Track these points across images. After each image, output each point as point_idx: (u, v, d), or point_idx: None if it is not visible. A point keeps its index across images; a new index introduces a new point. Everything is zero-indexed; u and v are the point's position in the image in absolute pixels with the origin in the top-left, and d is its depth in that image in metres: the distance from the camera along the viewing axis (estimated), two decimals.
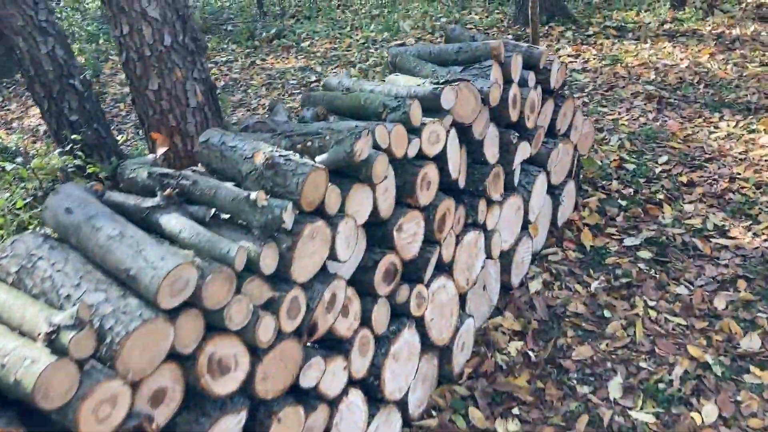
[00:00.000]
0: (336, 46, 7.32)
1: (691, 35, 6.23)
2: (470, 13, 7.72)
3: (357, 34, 7.58)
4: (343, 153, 1.77)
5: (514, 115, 2.74)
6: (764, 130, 4.29)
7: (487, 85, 2.48)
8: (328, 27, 8.02)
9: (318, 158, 1.78)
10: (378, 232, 2.10)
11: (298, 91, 6.14)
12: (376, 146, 1.95)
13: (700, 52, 5.79)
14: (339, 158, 1.78)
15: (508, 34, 6.81)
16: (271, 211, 1.56)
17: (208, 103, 2.80)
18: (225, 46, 8.03)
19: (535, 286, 3.02)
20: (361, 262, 2.02)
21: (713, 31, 6.24)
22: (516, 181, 2.90)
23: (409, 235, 2.16)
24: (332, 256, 1.77)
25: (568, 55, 6.16)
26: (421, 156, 2.19)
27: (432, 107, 2.26)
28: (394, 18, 7.77)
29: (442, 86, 2.24)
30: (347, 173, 1.90)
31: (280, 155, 1.69)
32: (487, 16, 7.54)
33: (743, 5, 6.81)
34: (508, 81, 2.72)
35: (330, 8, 8.87)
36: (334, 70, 6.52)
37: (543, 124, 3.08)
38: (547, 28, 6.82)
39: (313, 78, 6.40)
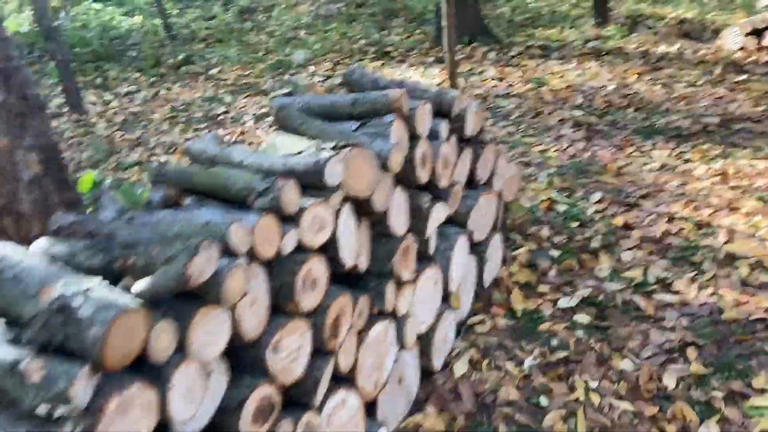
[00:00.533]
0: (248, 72, 6.79)
1: (617, 53, 6.00)
2: (390, 35, 7.33)
3: (271, 58, 7.07)
4: (174, 276, 1.28)
5: (424, 176, 2.30)
6: (699, 159, 4.01)
7: (388, 147, 2.03)
8: (241, 51, 7.48)
9: (137, 285, 1.28)
10: (247, 355, 1.61)
11: (203, 125, 5.58)
12: (230, 251, 1.47)
13: (626, 72, 5.55)
14: (169, 283, 1.28)
15: (429, 56, 6.44)
16: (49, 387, 1.06)
17: (50, 173, 2.25)
18: (128, 74, 7.38)
19: (460, 368, 2.58)
20: (221, 402, 1.52)
21: (638, 49, 6.02)
22: (432, 249, 2.46)
23: (291, 352, 1.68)
24: (166, 419, 1.27)
25: (492, 78, 5.83)
26: (302, 249, 1.72)
27: (317, 183, 1.79)
28: (311, 41, 7.30)
29: (327, 157, 1.77)
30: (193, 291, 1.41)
31: (75, 292, 1.18)
32: (408, 37, 7.16)
33: (665, 21, 6.65)
34: (415, 136, 2.28)
35: (243, 30, 8.33)
36: (245, 100, 6.00)
37: (460, 178, 2.66)
38: (470, 48, 6.49)
39: (221, 109, 5.86)
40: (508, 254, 3.23)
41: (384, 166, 2.03)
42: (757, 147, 4.02)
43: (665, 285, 2.96)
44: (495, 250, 3.01)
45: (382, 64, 6.47)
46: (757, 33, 5.56)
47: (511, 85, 5.62)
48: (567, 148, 4.41)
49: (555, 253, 3.24)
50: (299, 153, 1.89)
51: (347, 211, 1.92)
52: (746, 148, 4.03)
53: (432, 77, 5.84)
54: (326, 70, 6.43)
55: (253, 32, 8.21)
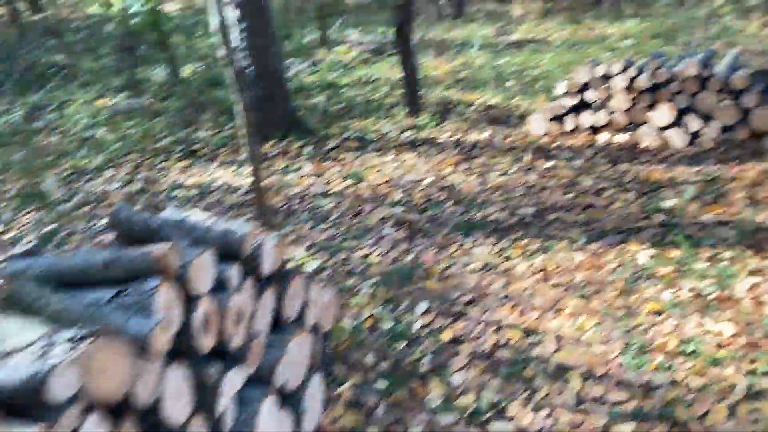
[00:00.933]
0: (35, 180, 6.01)
1: (432, 143, 6.04)
2: (198, 130, 6.92)
3: (64, 163, 6.35)
4: None
5: (208, 343, 1.90)
6: (519, 255, 3.96)
7: (149, 326, 1.62)
8: (28, 156, 6.67)
9: None
10: None
11: None
12: None
13: (442, 162, 5.56)
14: None
15: (242, 153, 6.10)
16: None
17: None
18: None
19: None
20: None
21: (451, 138, 6.12)
22: (229, 427, 2.03)
23: None
24: None
25: (309, 174, 5.59)
26: None
27: (38, 403, 1.32)
28: (109, 140, 6.69)
29: (52, 364, 1.32)
30: None
31: None
32: (217, 132, 6.79)
33: (474, 107, 6.87)
34: (193, 297, 1.88)
35: (32, 132, 7.50)
36: (28, 216, 5.24)
37: (262, 326, 2.29)
38: (284, 143, 6.24)
39: None
40: (330, 394, 2.87)
41: (145, 350, 1.60)
42: (572, 238, 4.06)
43: (499, 411, 2.75)
44: (314, 395, 2.64)
45: (190, 164, 6.03)
46: (558, 118, 5.84)
47: (329, 182, 5.41)
48: (389, 251, 4.21)
49: (382, 384, 2.94)
50: (22, 349, 1.42)
51: (93, 422, 1.46)
52: (562, 240, 4.05)
53: (245, 176, 5.49)
54: (126, 174, 5.87)
55: (43, 133, 7.41)
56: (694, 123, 5.21)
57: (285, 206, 5.03)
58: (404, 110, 6.78)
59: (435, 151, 5.82)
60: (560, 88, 5.84)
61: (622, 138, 5.55)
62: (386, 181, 5.29)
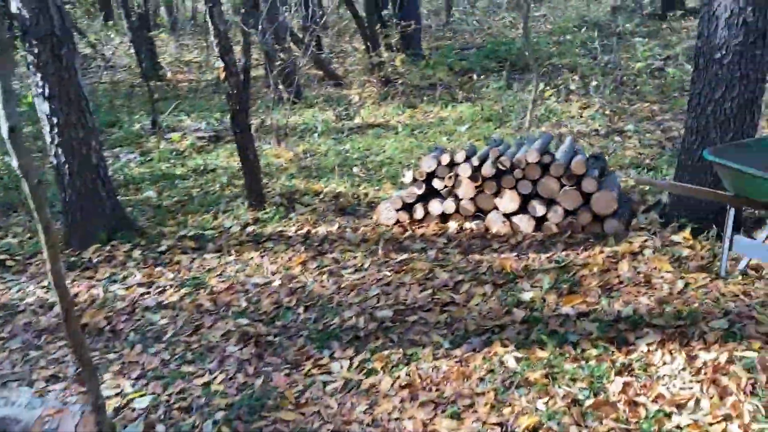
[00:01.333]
0: None
1: (278, 239, 5.62)
2: (7, 236, 6.00)
3: None
4: None
5: None
6: (382, 368, 3.59)
7: None
8: None
9: None
10: None
11: None
12: None
13: (291, 261, 5.15)
14: None
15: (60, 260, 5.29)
16: None
17: None
18: None
19: None
20: None
21: (299, 232, 5.74)
22: None
23: None
24: None
25: (139, 284, 4.93)
26: None
27: None
28: None
29: None
30: None
31: None
32: (30, 238, 5.92)
33: (321, 197, 6.58)
34: None
35: None
36: None
37: None
38: (109, 248, 5.52)
39: None
40: None
41: None
42: (436, 343, 3.78)
43: None
44: None
45: None
46: (407, 207, 5.67)
47: (162, 291, 4.79)
48: (235, 374, 3.68)
49: None
50: None
51: None
52: (426, 346, 3.76)
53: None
54: None
55: None
56: (538, 208, 5.24)
57: (108, 326, 4.33)
58: (246, 202, 6.32)
59: (282, 248, 5.40)
60: (407, 176, 5.70)
61: (472, 225, 5.47)
62: (229, 287, 4.77)
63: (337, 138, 9.00)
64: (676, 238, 4.75)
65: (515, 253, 4.98)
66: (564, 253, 4.88)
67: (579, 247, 4.94)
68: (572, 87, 9.88)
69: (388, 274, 4.79)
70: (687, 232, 4.74)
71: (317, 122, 9.64)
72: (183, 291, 4.76)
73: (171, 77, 14.75)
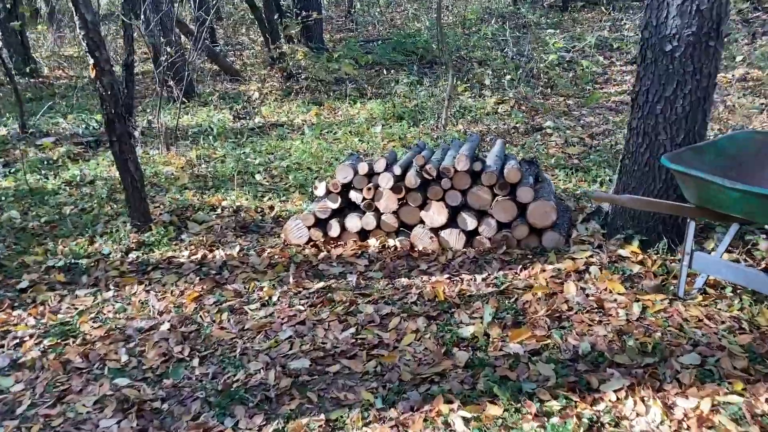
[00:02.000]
0: None
1: (168, 267, 4.77)
2: None
3: None
4: None
5: None
6: None
7: None
8: None
9: None
10: None
11: None
12: None
13: (183, 295, 4.33)
14: None
15: None
16: None
17: None
18: None
19: None
20: None
21: (193, 257, 4.90)
22: None
23: None
24: None
25: None
26: None
27: None
28: None
29: None
30: None
31: None
32: None
33: (218, 212, 5.75)
34: None
35: None
36: None
37: None
38: None
39: None
40: None
41: None
42: (366, 402, 3.10)
43: None
44: None
45: None
46: (321, 223, 4.97)
47: (20, 344, 3.86)
48: None
49: None
50: None
51: None
52: (353, 407, 3.07)
53: None
54: None
55: None
56: (469, 221, 4.67)
57: None
58: (129, 222, 5.41)
59: (173, 279, 4.57)
60: (320, 188, 4.99)
61: (396, 242, 4.83)
62: (106, 334, 3.91)
63: (235, 141, 8.13)
64: (623, 252, 4.30)
65: (446, 275, 4.39)
66: (501, 273, 4.32)
67: (517, 266, 4.40)
68: (486, 82, 9.44)
69: (302, 308, 4.07)
70: (635, 245, 4.30)
71: (212, 123, 8.73)
72: (47, 342, 3.85)
73: (48, 74, 13.28)
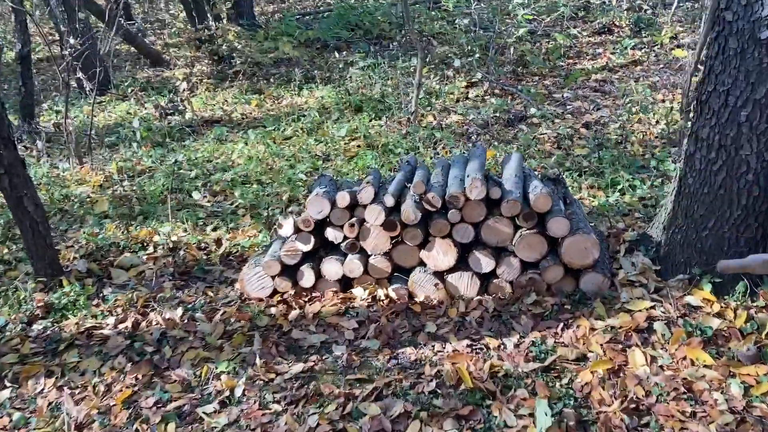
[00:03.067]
0: None
1: (87, 344, 3.63)
2: None
3: None
4: None
5: None
6: None
7: None
8: None
9: None
10: None
11: None
12: None
13: (110, 393, 3.21)
14: None
15: None
16: None
17: None
18: None
19: None
20: None
21: (121, 326, 3.77)
22: None
23: None
24: None
25: None
26: None
27: None
28: None
29: None
30: None
31: None
32: None
33: (150, 250, 4.59)
34: None
35: None
36: None
37: None
38: None
39: None
40: None
41: None
42: None
43: None
44: None
45: None
46: (290, 270, 3.90)
47: None
48: None
49: None
50: None
51: None
52: None
53: None
54: None
55: None
56: (484, 261, 3.69)
57: None
58: (32, 276, 4.20)
59: (95, 364, 3.43)
60: (286, 225, 3.90)
61: (389, 292, 3.82)
62: None
63: (164, 144, 6.89)
64: (692, 299, 3.41)
65: (464, 339, 3.40)
66: (538, 335, 3.37)
67: (555, 323, 3.46)
68: (456, 64, 8.41)
69: (279, 407, 3.01)
70: (706, 290, 3.41)
71: (135, 122, 7.43)
72: None
73: None
